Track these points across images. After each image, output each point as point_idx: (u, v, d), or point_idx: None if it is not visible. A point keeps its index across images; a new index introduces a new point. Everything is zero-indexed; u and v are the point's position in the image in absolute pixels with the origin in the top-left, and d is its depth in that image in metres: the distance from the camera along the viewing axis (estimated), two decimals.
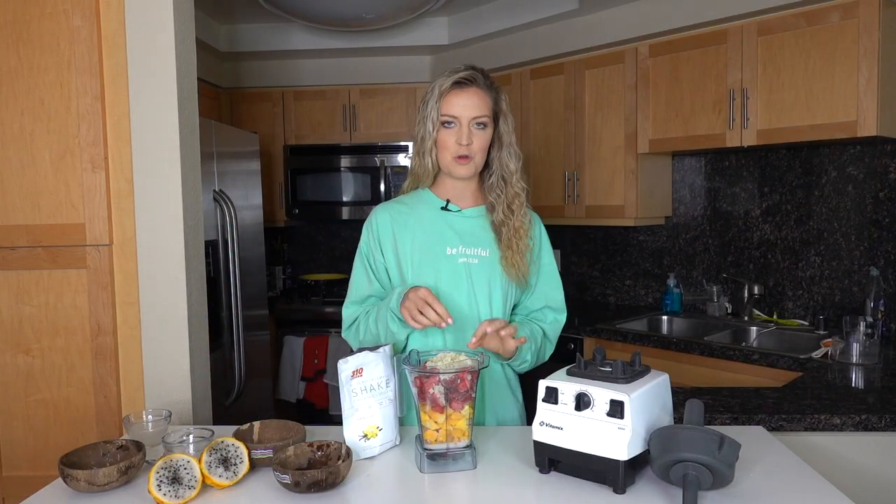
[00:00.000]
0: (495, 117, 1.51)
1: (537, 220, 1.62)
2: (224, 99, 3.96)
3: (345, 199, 3.88)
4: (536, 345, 1.52)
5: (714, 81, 2.76)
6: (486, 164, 1.54)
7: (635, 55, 3.03)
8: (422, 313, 1.33)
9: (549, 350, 1.59)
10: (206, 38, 3.51)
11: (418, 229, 1.53)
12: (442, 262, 1.50)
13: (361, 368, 1.32)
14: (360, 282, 1.57)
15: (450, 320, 1.33)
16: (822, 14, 2.46)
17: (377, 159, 3.79)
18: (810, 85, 2.50)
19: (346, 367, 1.31)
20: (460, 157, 1.48)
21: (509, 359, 1.47)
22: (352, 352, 1.37)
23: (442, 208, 1.54)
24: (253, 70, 3.97)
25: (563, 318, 1.62)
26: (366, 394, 1.32)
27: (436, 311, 1.33)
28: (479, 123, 1.48)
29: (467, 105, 1.46)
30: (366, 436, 1.31)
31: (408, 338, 1.51)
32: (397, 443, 1.37)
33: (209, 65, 3.69)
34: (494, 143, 1.53)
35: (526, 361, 1.52)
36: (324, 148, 3.88)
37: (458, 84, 1.47)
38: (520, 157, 1.54)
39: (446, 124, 1.48)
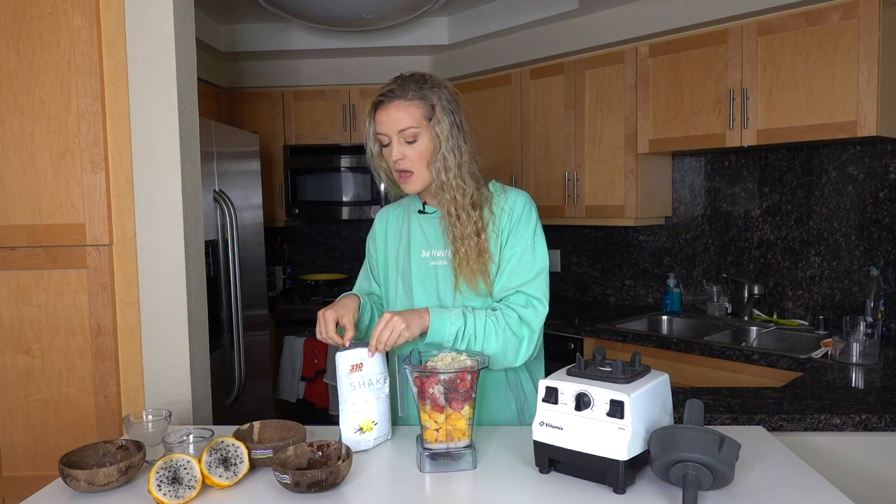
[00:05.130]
0: (430, 122, 1.45)
1: (516, 201, 1.50)
2: (224, 99, 3.95)
3: (345, 199, 3.88)
4: (471, 328, 1.37)
5: (714, 81, 2.76)
6: None
7: (635, 55, 3.03)
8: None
9: (514, 341, 1.40)
10: (206, 38, 3.51)
11: (403, 233, 1.58)
12: (416, 265, 1.53)
13: (361, 363, 1.34)
14: (361, 278, 1.68)
15: (340, 341, 1.37)
16: (822, 14, 2.46)
17: None
18: (810, 85, 2.50)
19: (344, 360, 1.34)
20: (400, 173, 1.47)
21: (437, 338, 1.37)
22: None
23: (419, 212, 1.57)
24: (253, 70, 3.97)
25: (541, 307, 1.43)
26: (363, 388, 1.34)
27: (326, 332, 1.38)
28: (406, 138, 1.43)
29: (389, 121, 1.44)
30: (361, 429, 1.33)
31: None
32: (389, 437, 1.40)
33: (209, 65, 3.69)
34: (434, 149, 1.45)
35: (470, 345, 1.37)
36: (324, 148, 3.88)
37: (380, 102, 1.45)
38: (461, 153, 1.44)
39: (383, 143, 1.48)
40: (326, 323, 1.37)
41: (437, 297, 1.51)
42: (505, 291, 1.47)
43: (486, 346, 1.39)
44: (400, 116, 1.42)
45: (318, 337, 1.39)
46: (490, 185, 1.53)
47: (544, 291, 1.45)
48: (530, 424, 1.54)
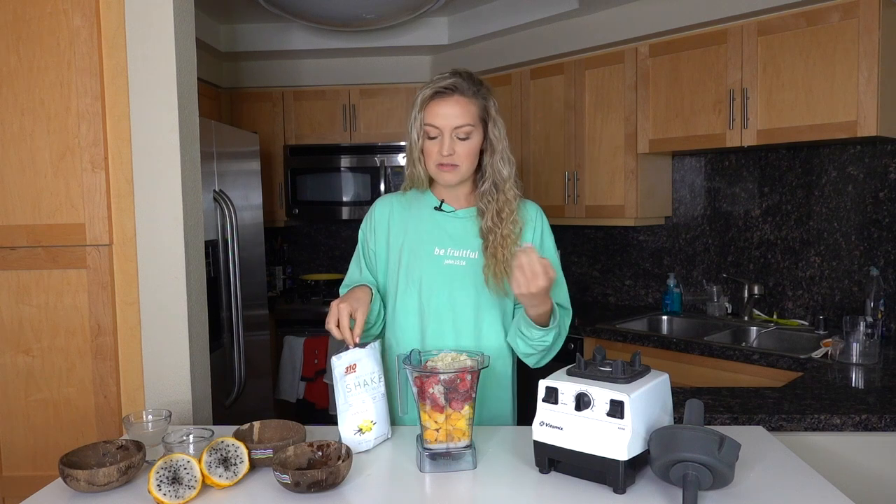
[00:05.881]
0: (484, 123, 1.48)
1: (537, 213, 1.58)
2: (224, 99, 3.96)
3: (345, 199, 3.88)
4: (556, 331, 1.43)
5: (714, 81, 2.76)
6: (480, 169, 1.52)
7: (635, 55, 3.03)
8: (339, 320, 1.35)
9: (558, 348, 1.51)
10: (206, 38, 3.51)
11: (411, 227, 1.55)
12: (427, 262, 1.51)
13: (355, 364, 1.34)
14: (352, 267, 1.63)
15: (350, 343, 1.34)
16: (822, 14, 2.46)
17: (377, 159, 3.79)
18: (810, 85, 2.50)
19: (339, 363, 1.33)
20: (443, 164, 1.46)
21: (541, 321, 1.37)
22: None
23: (435, 208, 1.54)
24: (253, 70, 3.97)
25: (568, 317, 1.52)
26: (359, 389, 1.34)
27: (339, 327, 1.34)
28: (460, 135, 1.44)
29: (448, 115, 1.43)
30: (360, 430, 1.33)
31: (385, 337, 1.57)
32: (389, 436, 1.40)
33: (209, 65, 3.69)
34: (486, 148, 1.50)
35: (545, 342, 1.42)
36: (324, 148, 3.88)
37: (440, 93, 1.44)
38: (513, 163, 1.51)
39: (429, 135, 1.46)
40: (342, 316, 1.34)
41: (450, 297, 1.49)
42: None
43: (559, 341, 1.47)
44: (458, 112, 1.44)
45: (328, 326, 1.34)
46: None
47: (569, 298, 1.55)
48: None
